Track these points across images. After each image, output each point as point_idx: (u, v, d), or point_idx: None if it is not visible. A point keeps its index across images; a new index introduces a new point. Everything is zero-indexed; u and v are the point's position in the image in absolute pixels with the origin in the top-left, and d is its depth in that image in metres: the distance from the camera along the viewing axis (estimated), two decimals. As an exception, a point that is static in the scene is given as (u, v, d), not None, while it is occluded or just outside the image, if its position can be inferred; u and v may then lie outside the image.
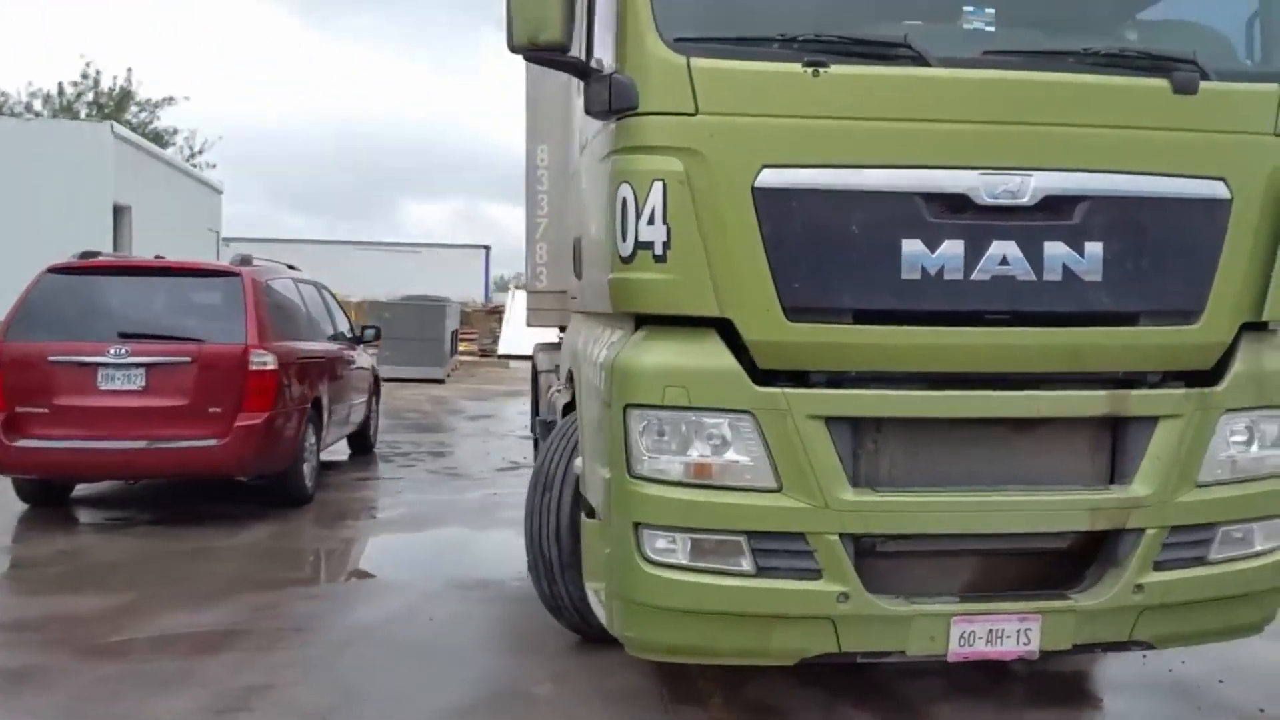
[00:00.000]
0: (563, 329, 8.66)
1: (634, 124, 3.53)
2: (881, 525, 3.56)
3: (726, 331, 3.54)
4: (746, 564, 3.51)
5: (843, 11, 3.73)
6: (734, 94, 3.48)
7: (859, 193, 3.48)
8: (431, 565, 6.42)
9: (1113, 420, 3.73)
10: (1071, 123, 3.55)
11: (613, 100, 3.56)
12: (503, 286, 43.08)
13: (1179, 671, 4.42)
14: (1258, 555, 3.80)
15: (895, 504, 3.56)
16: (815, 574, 3.51)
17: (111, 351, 7.17)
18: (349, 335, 10.32)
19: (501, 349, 28.98)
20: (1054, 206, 3.52)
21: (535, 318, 8.46)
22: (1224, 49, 3.85)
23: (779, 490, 3.50)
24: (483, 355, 28.89)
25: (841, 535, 3.51)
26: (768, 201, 3.45)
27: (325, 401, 8.75)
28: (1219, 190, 3.63)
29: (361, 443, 10.95)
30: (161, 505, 8.12)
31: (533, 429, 9.21)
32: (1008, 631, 3.60)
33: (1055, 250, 3.54)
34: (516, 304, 32.14)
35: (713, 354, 3.53)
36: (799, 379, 3.56)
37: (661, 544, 3.56)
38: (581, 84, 3.95)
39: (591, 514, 4.27)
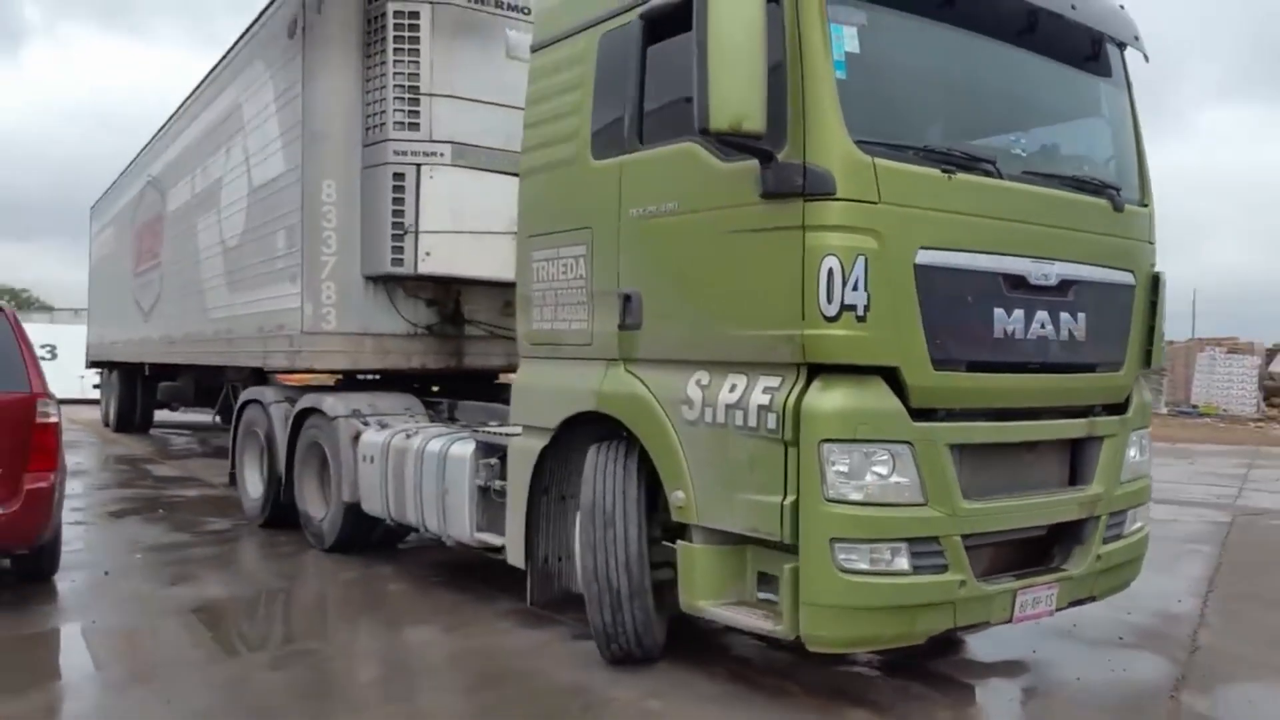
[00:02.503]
0: (350, 373, 8.45)
1: (836, 207, 4.26)
2: (981, 526, 4.63)
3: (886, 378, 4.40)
4: (905, 564, 4.37)
5: (956, 129, 4.79)
6: (900, 188, 4.38)
7: (971, 271, 4.57)
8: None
9: (1073, 441, 5.19)
10: (1069, 226, 4.98)
11: (807, 185, 4.27)
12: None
13: (1045, 622, 5.98)
14: (1138, 530, 5.50)
15: (988, 510, 4.66)
16: (944, 568, 4.47)
17: None
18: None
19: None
20: (1064, 288, 4.91)
21: (320, 360, 8.17)
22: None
23: (925, 504, 4.42)
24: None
25: (962, 536, 4.53)
26: (923, 275, 4.40)
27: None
28: (1130, 279, 5.30)
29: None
30: None
31: (274, 477, 8.73)
32: (1042, 598, 4.86)
33: (1065, 319, 4.93)
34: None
35: (884, 396, 4.37)
36: (928, 415, 4.52)
37: (847, 555, 4.29)
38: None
39: (689, 538, 4.82)
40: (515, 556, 5.85)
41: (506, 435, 6.14)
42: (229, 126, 10.20)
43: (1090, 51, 5.37)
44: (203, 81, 11.63)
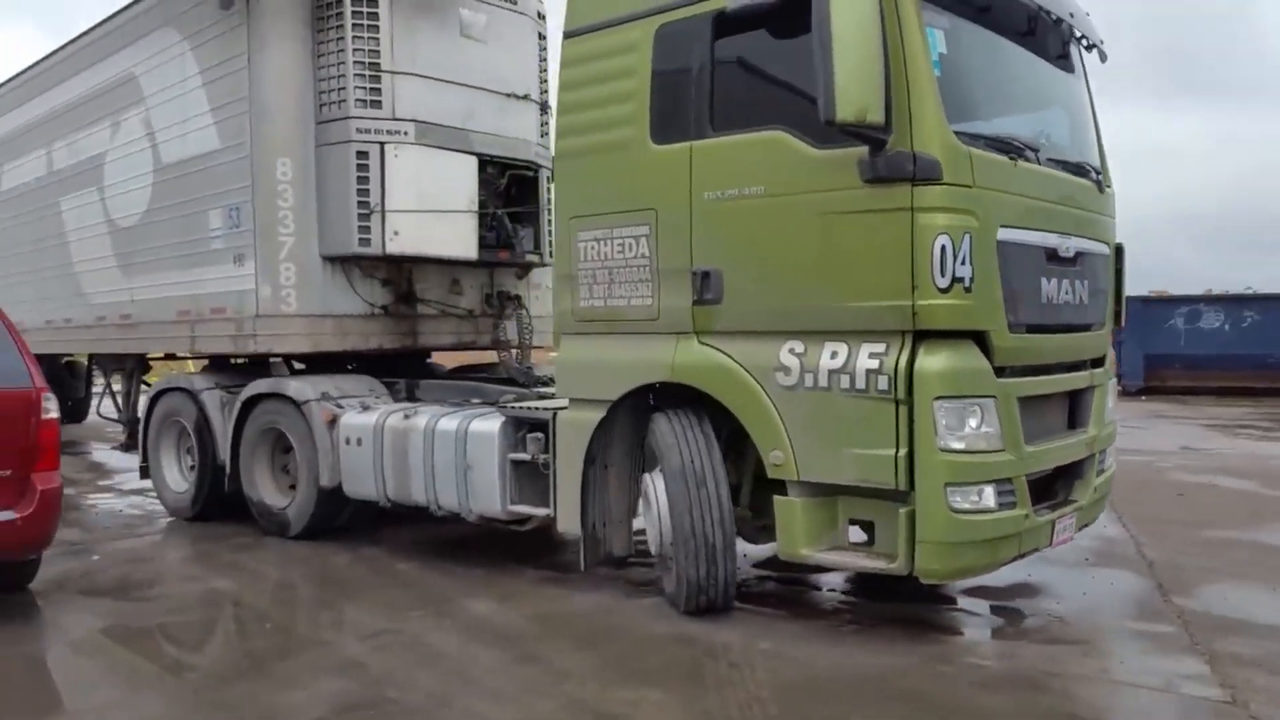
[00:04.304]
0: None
1: (942, 191, 4.83)
2: (1034, 466, 5.36)
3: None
4: (993, 502, 5.03)
5: (1003, 120, 5.46)
6: (986, 173, 5.01)
7: (1028, 245, 5.27)
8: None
9: (1070, 391, 6.02)
10: (1077, 206, 5.79)
11: (917, 171, 4.81)
12: None
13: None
14: (1111, 466, 6.45)
15: (1040, 452, 5.40)
16: (1014, 504, 5.17)
17: None
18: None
19: None
20: (1076, 259, 5.72)
21: (279, 342, 8.00)
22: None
23: (1003, 450, 5.09)
24: None
25: (1026, 476, 5.24)
26: (1003, 249, 5.06)
27: None
28: (1107, 250, 6.20)
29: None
30: None
31: (208, 467, 8.41)
32: (1068, 526, 5.67)
33: (1078, 286, 5.74)
34: None
35: (978, 357, 5.00)
36: (999, 373, 5.18)
37: (954, 497, 4.90)
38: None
39: (784, 493, 5.28)
40: (569, 524, 6.08)
41: (544, 409, 6.34)
42: (117, 98, 9.50)
43: (1073, 53, 6.21)
44: (58, 51, 10.73)
